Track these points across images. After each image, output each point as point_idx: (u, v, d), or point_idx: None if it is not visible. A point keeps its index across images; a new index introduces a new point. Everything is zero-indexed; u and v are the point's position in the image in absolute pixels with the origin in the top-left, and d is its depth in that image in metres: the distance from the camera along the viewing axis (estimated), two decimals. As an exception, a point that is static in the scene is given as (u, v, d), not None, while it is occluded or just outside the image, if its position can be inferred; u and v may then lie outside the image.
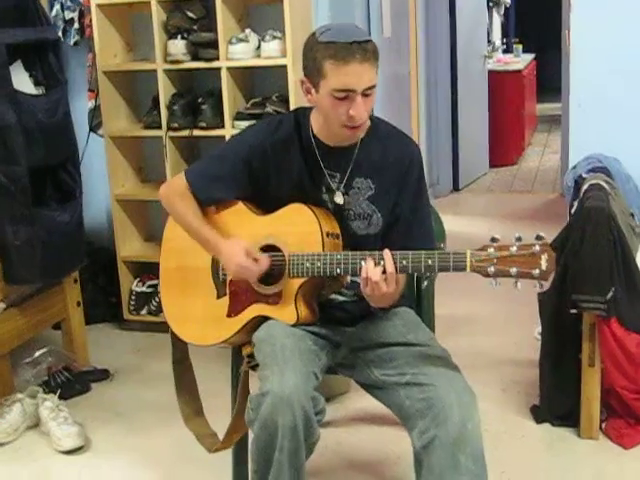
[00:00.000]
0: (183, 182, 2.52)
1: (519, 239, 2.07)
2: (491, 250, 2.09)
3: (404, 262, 2.19)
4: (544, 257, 2.04)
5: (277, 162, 2.43)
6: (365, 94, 2.23)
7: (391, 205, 2.42)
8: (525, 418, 3.34)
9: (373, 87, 2.25)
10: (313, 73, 2.26)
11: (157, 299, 4.28)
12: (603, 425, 3.18)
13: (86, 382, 3.77)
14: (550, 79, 9.76)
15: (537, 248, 2.05)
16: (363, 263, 2.21)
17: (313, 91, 2.29)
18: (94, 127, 4.32)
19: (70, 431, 3.26)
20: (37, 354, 3.77)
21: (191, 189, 2.50)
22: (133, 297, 4.36)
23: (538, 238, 2.06)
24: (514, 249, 2.07)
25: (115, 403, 3.64)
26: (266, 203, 2.47)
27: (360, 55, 2.18)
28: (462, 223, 6.06)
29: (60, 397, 3.47)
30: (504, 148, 8.25)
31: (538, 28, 10.92)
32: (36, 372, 3.72)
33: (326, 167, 2.41)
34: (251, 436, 2.27)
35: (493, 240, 2.10)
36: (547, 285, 2.10)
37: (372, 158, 2.41)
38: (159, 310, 4.25)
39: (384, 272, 2.18)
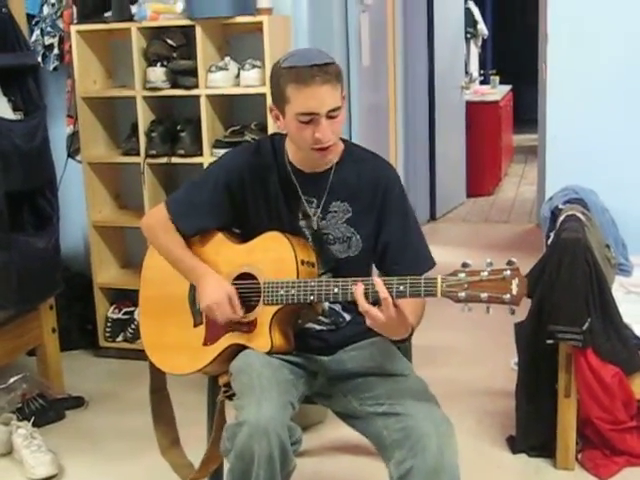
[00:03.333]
0: (164, 213, 2.52)
1: (490, 264, 2.07)
2: (462, 275, 2.08)
3: (375, 288, 2.17)
4: (514, 282, 2.04)
5: (254, 187, 2.44)
6: (330, 116, 2.25)
7: (371, 226, 2.42)
8: (501, 449, 3.34)
9: (337, 109, 2.26)
10: (278, 99, 2.29)
11: (133, 326, 4.25)
12: (579, 456, 3.19)
13: (60, 409, 3.73)
14: (527, 110, 9.83)
15: (508, 273, 2.04)
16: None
17: (281, 117, 2.32)
18: (72, 153, 4.32)
19: (43, 459, 3.23)
20: (11, 380, 3.72)
21: (173, 221, 2.51)
22: (109, 324, 4.34)
23: (509, 263, 2.06)
24: (485, 274, 2.06)
25: (89, 431, 3.61)
26: (246, 229, 2.49)
27: (320, 77, 2.21)
28: (439, 252, 5.94)
29: (34, 424, 3.44)
30: (481, 178, 8.30)
31: (515, 60, 11.01)
32: (10, 399, 3.68)
33: (303, 193, 2.43)
34: (226, 466, 2.26)
35: (464, 265, 2.09)
36: (518, 310, 2.09)
37: (347, 181, 2.42)
38: (135, 337, 4.24)
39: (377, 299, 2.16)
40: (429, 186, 7.29)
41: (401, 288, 2.15)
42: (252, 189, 2.44)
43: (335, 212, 2.43)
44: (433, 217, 7.36)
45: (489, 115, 8.48)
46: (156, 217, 2.56)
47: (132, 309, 4.30)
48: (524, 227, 7.09)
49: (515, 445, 3.31)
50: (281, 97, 2.27)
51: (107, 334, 4.34)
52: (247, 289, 2.42)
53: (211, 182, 2.48)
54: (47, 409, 3.67)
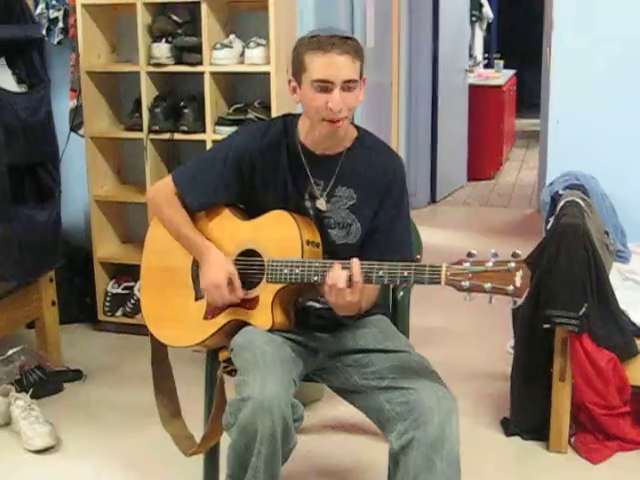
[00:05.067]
0: (171, 186, 2.54)
1: (495, 255, 2.09)
2: (467, 265, 2.10)
3: (380, 272, 2.21)
4: (519, 274, 2.06)
5: (264, 166, 2.45)
6: (345, 87, 2.27)
7: (371, 216, 2.45)
8: (495, 431, 3.37)
9: (353, 81, 2.28)
10: (296, 69, 2.32)
11: (132, 301, 4.27)
12: (572, 439, 3.21)
13: (59, 382, 3.75)
14: (530, 95, 9.84)
15: (512, 265, 2.06)
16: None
17: (297, 89, 2.34)
18: (75, 127, 4.32)
19: (41, 430, 3.25)
20: (10, 352, 3.74)
21: (179, 195, 2.52)
22: (108, 298, 4.35)
23: (514, 255, 2.08)
24: (489, 265, 2.08)
25: (87, 404, 3.63)
26: (251, 207, 2.50)
27: (339, 47, 2.24)
28: (439, 235, 6.09)
29: (32, 396, 3.46)
30: (482, 162, 8.30)
31: (520, 44, 10.98)
32: (8, 370, 3.69)
33: (312, 174, 2.44)
34: (226, 442, 2.28)
35: (469, 255, 2.11)
36: (521, 301, 2.11)
37: (356, 169, 2.44)
38: (134, 312, 4.26)
39: (350, 280, 2.21)
40: (430, 168, 7.29)
41: (405, 274, 2.18)
42: (261, 167, 2.45)
43: (340, 197, 2.45)
44: (433, 200, 7.37)
45: (492, 99, 8.47)
46: (162, 190, 2.58)
47: (132, 284, 4.32)
48: (524, 212, 7.10)
49: (509, 427, 3.34)
50: (300, 66, 2.30)
51: (106, 308, 4.36)
52: (251, 266, 2.43)
53: (220, 158, 2.49)
54: (45, 381, 3.69)
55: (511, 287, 2.06)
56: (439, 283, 2.14)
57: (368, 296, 2.38)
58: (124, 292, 4.34)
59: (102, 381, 3.85)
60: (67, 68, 4.34)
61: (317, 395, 3.51)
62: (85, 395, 3.73)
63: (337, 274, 2.22)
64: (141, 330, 4.19)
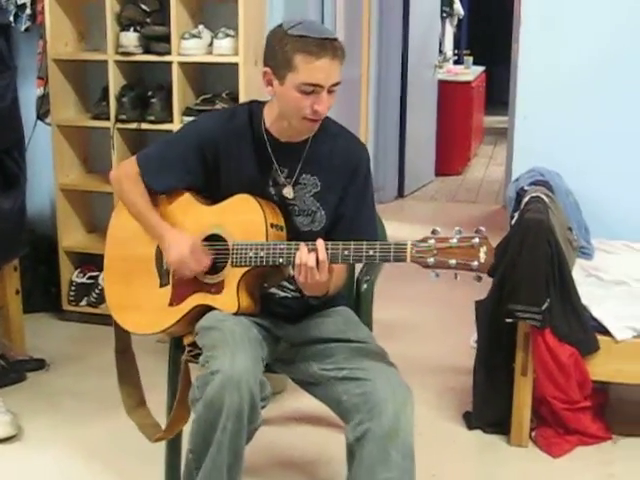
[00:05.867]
0: (134, 167, 2.53)
1: (459, 232, 2.12)
2: (431, 241, 2.13)
3: (346, 252, 2.23)
4: (482, 249, 2.09)
5: (228, 151, 2.45)
6: (330, 90, 2.29)
7: (336, 203, 2.46)
8: (457, 424, 3.39)
9: (338, 84, 2.31)
10: (280, 65, 2.29)
11: (97, 291, 4.26)
12: (533, 433, 3.25)
13: (21, 371, 3.73)
14: (498, 92, 9.87)
15: (476, 240, 2.09)
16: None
17: (276, 83, 2.32)
18: (42, 115, 4.28)
19: (2, 420, 3.22)
20: (-28, 341, 3.72)
21: (142, 176, 2.51)
22: (73, 288, 4.33)
23: (477, 232, 2.11)
24: (454, 241, 2.11)
25: (50, 393, 3.61)
26: (215, 192, 2.50)
27: (331, 52, 2.26)
28: (405, 230, 6.09)
29: (-6, 385, 3.44)
30: (450, 158, 8.35)
31: (489, 42, 11.04)
32: (-30, 359, 3.68)
33: (276, 161, 2.45)
34: (187, 428, 2.29)
35: (434, 232, 2.14)
36: (479, 287, 2.12)
37: (320, 156, 2.45)
38: (99, 302, 4.24)
39: (317, 260, 2.22)
40: (398, 163, 7.32)
41: (371, 252, 2.21)
42: (225, 152, 2.45)
43: (304, 185, 2.46)
44: (401, 194, 7.39)
45: (461, 95, 8.52)
46: (125, 170, 2.57)
47: (97, 274, 4.30)
48: (491, 208, 7.15)
49: (471, 421, 3.36)
50: (285, 64, 2.26)
51: (71, 298, 4.34)
52: (215, 250, 2.43)
53: (184, 141, 2.49)
54: (8, 370, 3.67)
55: (475, 262, 2.09)
56: (404, 260, 2.16)
57: (336, 279, 2.39)
58: (89, 282, 4.32)
59: (65, 371, 3.83)
60: (34, 55, 4.30)
61: (280, 387, 3.51)
62: (48, 385, 3.70)
63: (305, 254, 2.23)
64: (106, 320, 4.14)
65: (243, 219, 2.41)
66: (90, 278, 4.32)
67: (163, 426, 2.69)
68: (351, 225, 2.47)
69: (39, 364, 3.83)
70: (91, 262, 4.34)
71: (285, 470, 3.06)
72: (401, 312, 4.48)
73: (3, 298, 3.82)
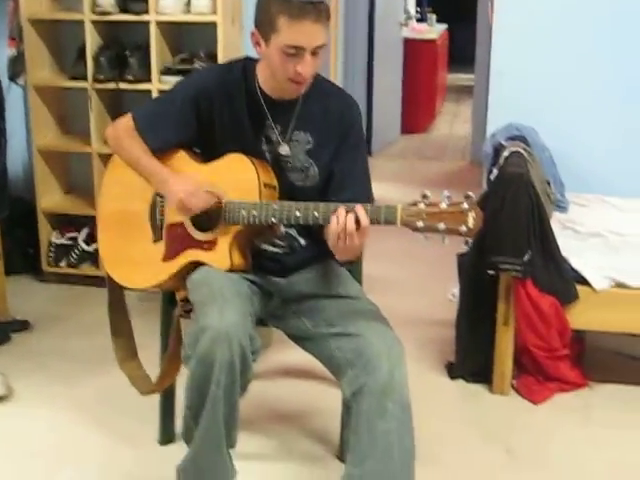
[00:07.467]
0: (130, 123, 2.54)
1: (448, 197, 2.15)
2: (421, 206, 2.16)
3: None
4: (471, 215, 2.12)
5: (221, 106, 2.47)
6: (314, 53, 2.30)
7: (328, 160, 2.49)
8: (439, 374, 3.48)
9: (322, 46, 2.32)
10: (265, 26, 2.31)
11: (77, 251, 4.27)
12: (514, 382, 3.34)
13: (5, 332, 3.74)
14: (460, 50, 9.92)
15: (465, 206, 2.13)
16: (333, 217, 2.22)
17: (263, 44, 2.35)
18: (14, 76, 4.24)
19: (-7, 380, 3.25)
20: (-46, 303, 3.72)
21: (138, 131, 2.52)
22: (52, 249, 4.34)
23: (467, 197, 2.14)
24: (443, 206, 2.14)
25: (37, 353, 3.63)
26: (208, 148, 2.52)
27: (314, 15, 2.25)
28: (375, 188, 6.08)
29: (-20, 346, 3.45)
30: (416, 116, 8.40)
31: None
32: (-47, 322, 3.68)
33: (268, 118, 2.47)
34: (181, 386, 2.34)
35: (424, 197, 2.17)
36: (456, 241, 2.18)
37: (313, 113, 2.48)
38: (79, 262, 4.27)
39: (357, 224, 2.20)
40: (366, 122, 7.34)
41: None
42: (219, 107, 2.47)
43: (297, 141, 2.48)
44: (369, 153, 7.42)
45: (426, 53, 8.57)
46: (122, 126, 2.57)
47: (75, 235, 4.31)
48: (458, 164, 7.23)
49: (453, 371, 3.45)
50: (269, 25, 2.29)
51: (50, 259, 4.34)
52: (208, 208, 2.46)
53: (179, 97, 2.51)
54: (-8, 332, 3.69)
55: (464, 227, 2.12)
56: (394, 223, 2.18)
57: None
58: (68, 243, 4.32)
59: (50, 331, 3.85)
60: (4, 17, 4.26)
61: (266, 342, 3.56)
62: (33, 345, 3.72)
63: (344, 217, 2.20)
64: (86, 281, 4.25)
65: (237, 178, 2.43)
66: (69, 239, 4.32)
67: (155, 380, 2.75)
68: (343, 182, 2.49)
69: (23, 325, 3.85)
70: (70, 223, 4.34)
71: (277, 422, 3.11)
72: (374, 267, 4.51)
73: (-16, 261, 3.82)
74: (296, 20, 2.24)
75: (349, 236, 2.21)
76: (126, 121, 2.57)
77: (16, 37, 4.18)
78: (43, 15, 4.15)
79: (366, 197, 2.45)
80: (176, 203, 2.44)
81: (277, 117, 2.48)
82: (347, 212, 2.21)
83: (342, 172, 2.50)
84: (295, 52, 2.28)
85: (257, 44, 2.38)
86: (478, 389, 3.36)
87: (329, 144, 2.49)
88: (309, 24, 2.25)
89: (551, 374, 3.31)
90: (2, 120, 3.65)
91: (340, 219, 2.20)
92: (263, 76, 2.46)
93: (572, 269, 3.22)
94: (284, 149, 2.48)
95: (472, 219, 2.12)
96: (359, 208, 2.21)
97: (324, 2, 2.30)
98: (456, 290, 3.51)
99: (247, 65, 2.51)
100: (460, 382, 3.42)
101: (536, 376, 3.32)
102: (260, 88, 2.47)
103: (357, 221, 2.19)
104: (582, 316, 3.23)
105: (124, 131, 2.55)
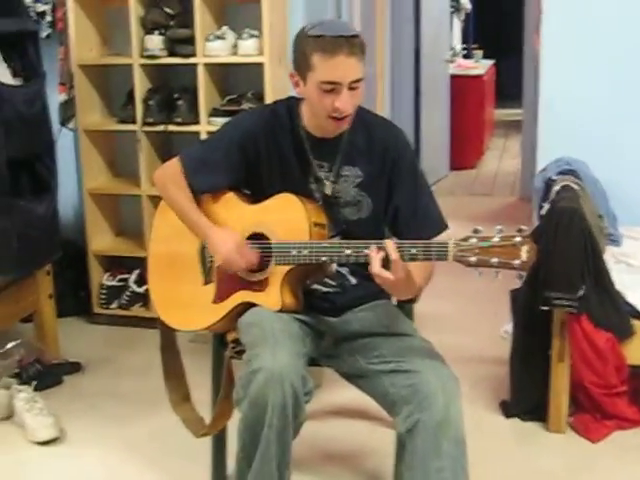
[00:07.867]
0: (178, 168, 2.56)
1: (501, 231, 2.13)
2: (473, 240, 2.13)
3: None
4: (524, 248, 2.09)
5: (268, 148, 2.48)
6: (351, 87, 2.30)
7: (382, 190, 2.48)
8: (494, 413, 3.42)
9: (359, 80, 2.31)
10: (301, 66, 2.33)
11: (128, 293, 4.29)
12: (570, 419, 3.27)
13: (58, 374, 3.76)
14: (506, 85, 9.89)
15: (518, 239, 2.10)
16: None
17: (301, 83, 2.37)
18: (65, 121, 4.32)
19: (46, 422, 3.26)
20: (9, 346, 3.73)
21: (185, 175, 2.54)
22: (103, 291, 4.37)
23: (519, 230, 2.12)
24: (496, 240, 2.12)
25: (88, 395, 3.64)
26: (256, 190, 2.53)
27: (347, 49, 2.25)
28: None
29: (34, 389, 3.47)
30: (464, 152, 8.36)
31: (496, 35, 11.04)
32: (7, 364, 3.69)
33: (315, 157, 2.47)
34: (233, 427, 2.32)
35: (475, 231, 2.15)
36: (511, 277, 2.15)
37: (359, 146, 2.48)
38: (130, 304, 4.29)
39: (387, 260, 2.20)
40: (414, 158, 7.33)
41: (413, 251, 2.20)
42: (266, 150, 2.48)
43: (347, 176, 2.48)
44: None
45: (473, 89, 8.54)
46: (169, 171, 2.60)
47: (127, 276, 4.34)
48: (507, 200, 7.17)
49: (508, 409, 3.39)
50: (305, 64, 2.31)
51: (102, 301, 4.37)
52: (259, 249, 2.46)
53: (226, 140, 2.52)
54: (45, 374, 3.70)
55: (517, 261, 2.09)
56: (446, 259, 2.16)
57: (424, 273, 2.37)
58: (119, 284, 4.35)
59: (100, 373, 3.86)
60: (55, 62, 4.33)
61: (317, 382, 3.54)
62: (85, 387, 3.74)
63: (378, 256, 2.20)
64: (136, 322, 4.27)
65: (286, 218, 2.43)
66: (120, 280, 4.35)
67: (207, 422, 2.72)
68: (409, 217, 2.48)
69: (75, 367, 3.87)
70: (120, 265, 4.38)
71: (330, 463, 3.08)
72: (428, 304, 4.48)
73: (37, 303, 3.86)
74: (329, 55, 2.25)
75: (376, 276, 2.20)
76: (174, 164, 2.58)
77: (66, 82, 4.25)
78: (93, 60, 4.22)
79: (437, 225, 2.46)
80: (220, 263, 2.46)
81: (323, 155, 2.48)
82: (378, 249, 2.20)
83: (406, 206, 2.48)
84: (332, 88, 2.29)
85: (296, 84, 2.40)
86: (533, 427, 3.30)
87: (380, 176, 2.48)
88: (343, 58, 2.25)
89: (609, 411, 3.23)
90: (53, 163, 3.69)
91: (374, 264, 2.20)
92: (307, 115, 2.47)
93: (627, 303, 3.16)
94: (328, 189, 2.47)
95: (526, 252, 2.09)
96: (388, 244, 2.20)
97: (358, 36, 2.30)
98: (508, 327, 3.46)
99: (291, 105, 2.52)
100: (515, 421, 3.36)
101: (593, 414, 3.25)
102: (304, 128, 2.48)
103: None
104: (639, 352, 3.16)
105: (171, 176, 2.57)
